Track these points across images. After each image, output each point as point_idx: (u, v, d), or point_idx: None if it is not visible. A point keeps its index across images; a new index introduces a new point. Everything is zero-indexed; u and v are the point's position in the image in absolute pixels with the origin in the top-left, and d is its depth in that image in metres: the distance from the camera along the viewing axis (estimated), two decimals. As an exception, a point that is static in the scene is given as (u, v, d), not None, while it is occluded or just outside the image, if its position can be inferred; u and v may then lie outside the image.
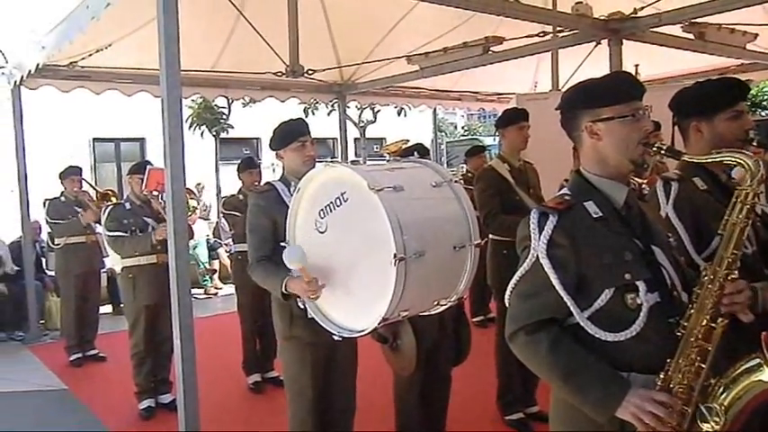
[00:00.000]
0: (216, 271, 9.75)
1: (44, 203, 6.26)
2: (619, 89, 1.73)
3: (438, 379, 3.49)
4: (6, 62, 7.19)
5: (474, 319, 6.44)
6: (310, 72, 5.70)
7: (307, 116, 10.86)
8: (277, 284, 2.77)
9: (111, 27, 4.98)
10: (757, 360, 1.52)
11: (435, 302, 2.64)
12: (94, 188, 6.76)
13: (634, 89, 1.74)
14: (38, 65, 5.69)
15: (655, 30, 4.59)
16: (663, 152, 1.67)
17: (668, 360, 1.58)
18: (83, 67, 6.15)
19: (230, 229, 5.82)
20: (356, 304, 2.51)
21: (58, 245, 6.20)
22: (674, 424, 1.51)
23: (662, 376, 1.58)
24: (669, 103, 2.34)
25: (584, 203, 1.71)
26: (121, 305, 6.88)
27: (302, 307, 2.78)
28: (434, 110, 12.88)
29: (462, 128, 31.88)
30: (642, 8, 4.54)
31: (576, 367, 1.62)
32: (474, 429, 4.07)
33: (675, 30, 4.79)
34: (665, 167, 3.91)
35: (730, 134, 2.16)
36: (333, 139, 12.79)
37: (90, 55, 5.81)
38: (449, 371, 3.57)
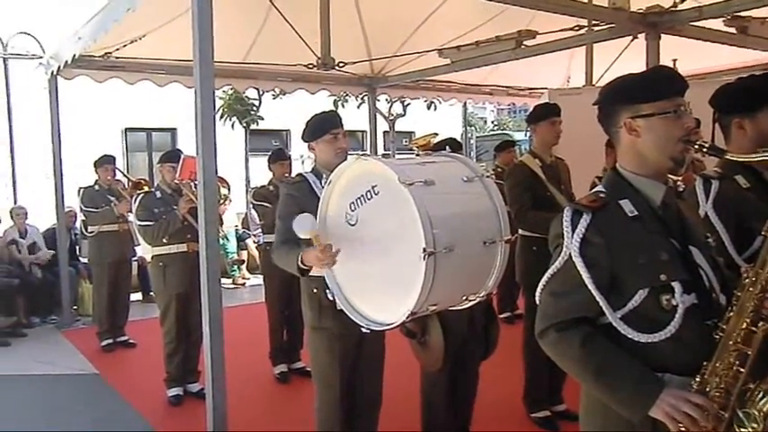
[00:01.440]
0: (244, 261, 9.83)
1: (78, 191, 6.39)
2: (660, 84, 1.68)
3: (465, 375, 3.48)
4: (44, 53, 7.33)
5: (501, 316, 6.39)
6: (341, 65, 5.70)
7: (336, 108, 10.87)
8: (294, 260, 2.76)
9: (146, 18, 5.03)
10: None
11: (464, 298, 2.61)
12: (127, 177, 6.87)
13: (676, 84, 1.69)
14: (74, 55, 5.79)
15: (695, 24, 4.47)
16: (705, 150, 1.62)
17: (705, 363, 1.54)
18: (117, 57, 6.24)
19: (260, 220, 5.87)
20: (385, 297, 2.50)
21: (91, 233, 6.32)
22: (709, 427, 1.48)
23: (698, 379, 1.54)
24: (710, 100, 2.28)
25: (620, 202, 1.68)
26: (151, 293, 7.01)
27: (331, 298, 2.78)
28: (464, 104, 12.76)
29: (492, 122, 31.67)
30: (682, 1, 4.42)
31: (609, 365, 1.60)
32: (499, 426, 4.05)
33: (717, 24, 4.66)
34: (702, 165, 3.82)
35: None
36: (362, 131, 12.77)
37: (124, 46, 5.89)
38: (477, 367, 3.55)
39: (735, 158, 1.70)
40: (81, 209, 6.42)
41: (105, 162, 6.34)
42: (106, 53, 6.12)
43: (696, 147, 1.64)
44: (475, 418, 3.62)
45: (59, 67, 6.39)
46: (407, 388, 3.63)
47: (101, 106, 11.71)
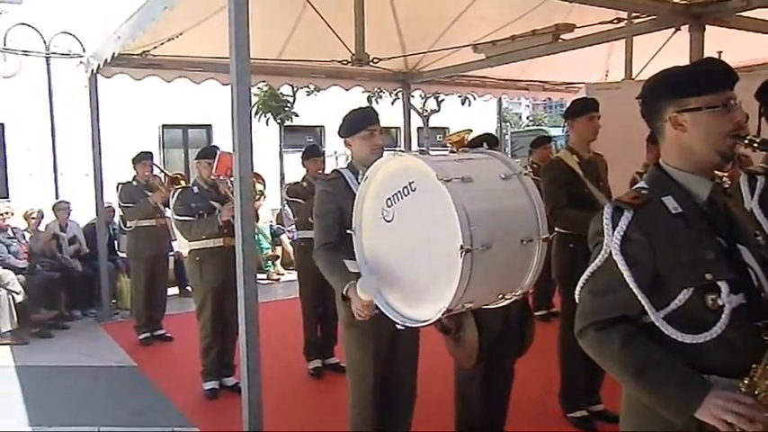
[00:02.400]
0: (278, 257, 9.92)
1: (117, 187, 6.51)
2: (708, 77, 1.63)
3: (500, 373, 3.44)
4: (84, 51, 7.48)
5: (537, 313, 6.30)
6: (375, 60, 5.69)
7: (370, 104, 10.87)
8: (339, 285, 2.82)
9: (182, 16, 5.09)
10: None
11: (500, 296, 2.59)
12: (165, 172, 6.99)
13: (725, 77, 1.64)
14: (113, 54, 5.89)
15: (741, 14, 4.32)
16: (756, 145, 1.57)
17: (754, 365, 1.49)
18: (154, 55, 6.33)
19: (294, 216, 5.89)
20: (420, 294, 2.49)
21: (129, 227, 6.45)
22: (763, 428, 1.42)
23: (746, 381, 1.49)
24: (756, 93, 2.21)
25: (663, 198, 1.64)
26: (188, 288, 7.12)
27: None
28: (499, 99, 12.64)
29: (527, 118, 31.36)
30: (728, -9, 4.29)
31: (651, 364, 1.56)
32: (535, 425, 4.01)
33: (764, 13, 4.49)
34: (749, 161, 3.70)
35: None
36: (396, 128, 12.75)
37: (162, 44, 5.97)
38: (512, 365, 3.52)
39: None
40: (119, 204, 6.54)
41: (143, 158, 6.46)
42: (144, 51, 6.22)
43: (746, 142, 1.58)
44: (510, 416, 3.58)
45: (99, 66, 6.52)
46: (442, 384, 3.61)
47: (138, 104, 11.91)
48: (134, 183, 6.45)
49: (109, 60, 6.10)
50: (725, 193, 1.78)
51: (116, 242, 8.04)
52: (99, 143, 7.16)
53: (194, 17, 5.47)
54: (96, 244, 7.40)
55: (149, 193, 6.31)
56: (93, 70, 6.80)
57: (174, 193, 5.01)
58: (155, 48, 6.13)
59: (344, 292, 2.77)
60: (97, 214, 7.39)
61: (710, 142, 1.61)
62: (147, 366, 5.62)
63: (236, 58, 3.34)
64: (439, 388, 3.61)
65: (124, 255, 7.23)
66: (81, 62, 7.22)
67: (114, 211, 7.66)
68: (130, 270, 6.82)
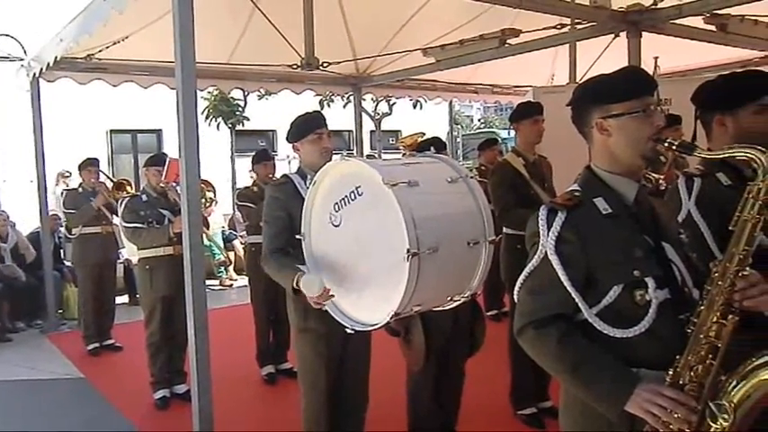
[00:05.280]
0: (231, 262, 9.81)
1: (61, 194, 6.35)
2: (629, 85, 1.71)
3: (451, 374, 3.50)
4: (26, 54, 7.26)
5: (488, 313, 6.42)
6: (325, 65, 5.71)
7: (322, 108, 10.84)
8: (289, 280, 2.78)
9: (129, 19, 5.00)
10: (767, 357, 1.50)
11: (449, 298, 2.64)
12: (110, 179, 6.84)
13: (645, 84, 1.72)
14: (56, 57, 5.74)
15: (675, 22, 4.51)
16: (674, 148, 1.65)
17: (678, 357, 1.57)
18: (100, 59, 6.20)
19: (244, 221, 5.86)
20: (369, 298, 2.52)
21: (74, 235, 6.28)
22: (683, 419, 1.50)
23: (671, 372, 1.57)
24: (691, 97, 2.29)
25: (594, 200, 1.71)
26: (138, 296, 6.97)
27: (315, 300, 2.79)
28: (450, 102, 12.83)
29: (479, 120, 31.74)
30: (662, -1, 4.46)
31: (585, 360, 1.62)
32: (486, 423, 4.07)
33: (697, 21, 4.69)
34: (685, 163, 3.85)
35: (755, 128, 2.09)
36: (348, 131, 12.76)
37: (107, 47, 5.86)
38: (462, 365, 3.58)
39: (701, 155, 1.72)
40: (63, 211, 6.39)
41: (89, 164, 6.30)
42: (89, 55, 6.08)
43: (666, 144, 1.66)
44: (461, 415, 3.64)
45: (41, 70, 6.34)
46: (395, 387, 3.65)
47: (85, 108, 11.63)
48: (79, 189, 6.30)
49: (52, 64, 5.94)
50: (658, 193, 1.86)
51: (62, 251, 7.82)
52: (42, 149, 6.96)
53: (141, 20, 5.39)
54: (41, 253, 7.18)
55: (94, 200, 6.17)
56: (35, 74, 6.61)
57: (122, 201, 4.93)
58: (100, 51, 6.00)
59: (295, 285, 2.73)
60: (41, 222, 7.18)
61: (633, 146, 1.69)
62: (96, 377, 5.48)
63: (181, 62, 3.31)
64: (392, 390, 3.64)
65: (70, 263, 7.05)
66: (22, 66, 7.01)
67: (59, 218, 7.46)
68: (77, 279, 6.64)
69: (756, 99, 2.10)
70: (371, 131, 14.73)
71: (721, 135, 2.17)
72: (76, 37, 5.17)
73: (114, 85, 6.82)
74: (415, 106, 12.32)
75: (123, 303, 7.74)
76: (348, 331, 2.65)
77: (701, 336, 1.56)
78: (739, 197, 1.64)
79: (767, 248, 1.73)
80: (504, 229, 4.08)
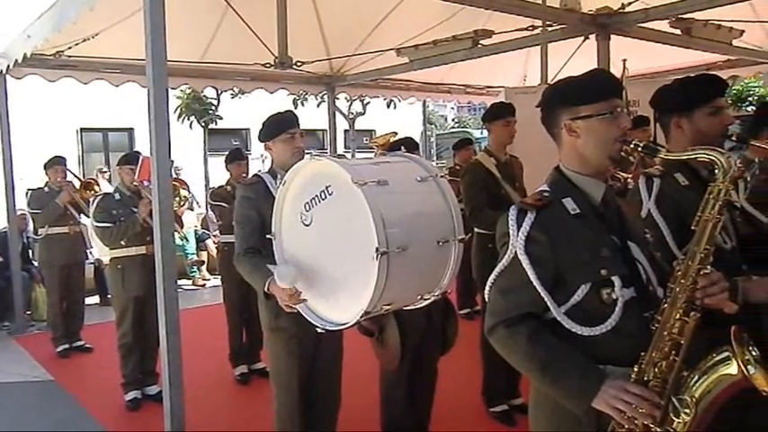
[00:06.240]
0: (204, 262, 9.72)
1: (26, 194, 6.23)
2: (597, 87, 1.74)
3: (424, 372, 3.52)
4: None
5: (461, 312, 6.47)
6: (299, 64, 5.70)
7: (296, 107, 10.84)
8: (261, 283, 2.78)
9: (99, 16, 4.93)
10: (726, 353, 1.55)
11: (419, 297, 2.65)
12: (78, 178, 6.73)
13: (612, 87, 1.76)
14: (25, 54, 5.64)
15: (642, 25, 4.61)
16: (639, 149, 1.69)
17: (642, 353, 1.61)
18: (69, 56, 6.10)
19: (217, 220, 5.82)
20: (339, 297, 2.52)
21: (40, 235, 6.17)
22: (647, 414, 1.54)
23: (636, 369, 1.60)
24: (650, 100, 2.37)
25: (563, 200, 1.74)
26: (109, 296, 6.88)
27: (286, 301, 2.79)
28: (424, 102, 12.88)
29: (453, 120, 31.92)
30: (630, 3, 4.55)
31: (554, 358, 1.65)
32: (459, 421, 4.11)
33: (663, 25, 4.81)
34: (652, 163, 3.93)
35: (710, 130, 2.18)
36: (322, 130, 12.74)
37: (76, 44, 5.77)
38: (435, 363, 3.60)
39: (664, 157, 1.77)
40: (29, 211, 6.26)
41: (55, 163, 6.18)
42: (58, 52, 5.98)
43: (631, 147, 1.70)
44: (434, 414, 3.66)
45: (8, 66, 6.22)
46: (368, 386, 3.66)
47: (54, 106, 11.44)
48: (45, 189, 6.17)
49: (20, 61, 5.83)
50: (619, 194, 1.90)
51: (30, 251, 7.68)
52: (9, 147, 6.81)
53: (111, 17, 5.31)
54: (8, 253, 7.05)
55: (60, 199, 6.07)
56: (1, 71, 6.48)
57: (93, 200, 4.87)
58: (69, 48, 5.91)
59: (267, 289, 2.74)
60: (8, 222, 7.03)
61: (601, 147, 1.72)
62: (65, 380, 5.39)
63: (152, 61, 3.28)
64: (365, 390, 3.65)
65: (38, 264, 6.92)
66: (-12, 62, 6.86)
67: (28, 218, 7.32)
68: (44, 279, 6.53)
69: (710, 101, 2.19)
70: (345, 131, 14.74)
71: (679, 136, 2.24)
72: (45, 33, 5.08)
73: (85, 83, 6.72)
74: (388, 106, 12.38)
75: (94, 304, 7.62)
76: (319, 331, 2.65)
77: (665, 333, 1.59)
78: (696, 197, 1.69)
79: (727, 248, 1.78)
80: (476, 229, 4.12)
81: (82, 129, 13.60)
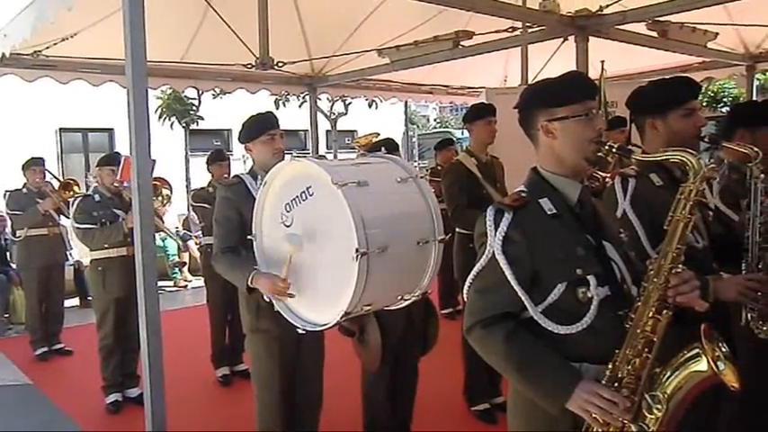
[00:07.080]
0: (185, 263, 9.67)
1: (4, 195, 6.15)
2: (573, 89, 1.77)
3: (405, 372, 3.54)
4: (-32, 50, 7.00)
5: (443, 312, 6.51)
6: (280, 64, 5.68)
7: (278, 108, 10.80)
8: (242, 278, 2.76)
9: (77, 16, 4.88)
10: (697, 350, 1.58)
11: (399, 297, 2.67)
12: (57, 178, 6.66)
13: (587, 89, 1.79)
14: (3, 54, 5.56)
15: (620, 27, 4.66)
16: (614, 151, 1.72)
17: (616, 351, 1.64)
18: (48, 56, 6.03)
19: (200, 222, 5.80)
20: (320, 298, 2.53)
21: (19, 237, 6.10)
22: (618, 417, 1.57)
23: (610, 366, 1.63)
24: (626, 102, 2.41)
25: (540, 200, 1.76)
26: (89, 298, 6.82)
27: (268, 300, 2.79)
28: (406, 102, 12.91)
29: (435, 120, 31.99)
30: (608, 5, 4.60)
31: (530, 358, 1.67)
32: (441, 420, 4.14)
33: (640, 27, 4.87)
34: (629, 163, 3.98)
35: (683, 131, 2.23)
36: (304, 131, 12.73)
37: (55, 44, 5.70)
38: (416, 363, 3.62)
39: (638, 158, 1.80)
40: (7, 213, 6.19)
41: (33, 164, 6.12)
42: (36, 51, 5.89)
43: (606, 148, 1.73)
44: (416, 413, 3.68)
45: (-16, 66, 6.13)
46: (350, 387, 3.67)
47: (33, 106, 11.28)
48: (24, 190, 6.10)
49: (-3, 60, 5.75)
50: (594, 194, 1.94)
51: (8, 253, 7.58)
52: (-14, 148, 6.74)
53: (91, 17, 5.26)
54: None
55: (40, 201, 6.00)
56: (-23, 71, 6.38)
57: (73, 202, 4.83)
58: (48, 48, 5.83)
59: (250, 282, 2.72)
60: (-14, 224, 6.95)
61: (577, 148, 1.75)
62: (44, 383, 5.34)
63: (131, 60, 3.25)
64: (346, 390, 3.66)
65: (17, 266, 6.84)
66: (-37, 62, 6.76)
67: (5, 220, 7.23)
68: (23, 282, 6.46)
69: (683, 104, 2.24)
70: (327, 131, 14.72)
71: (654, 137, 2.29)
72: (22, 32, 5.01)
73: (64, 83, 6.63)
74: (370, 106, 12.38)
75: (73, 306, 7.55)
76: (300, 331, 2.66)
77: (638, 330, 1.63)
78: (670, 197, 1.72)
79: (698, 247, 1.82)
80: (457, 229, 4.15)
81: (61, 129, 13.43)
